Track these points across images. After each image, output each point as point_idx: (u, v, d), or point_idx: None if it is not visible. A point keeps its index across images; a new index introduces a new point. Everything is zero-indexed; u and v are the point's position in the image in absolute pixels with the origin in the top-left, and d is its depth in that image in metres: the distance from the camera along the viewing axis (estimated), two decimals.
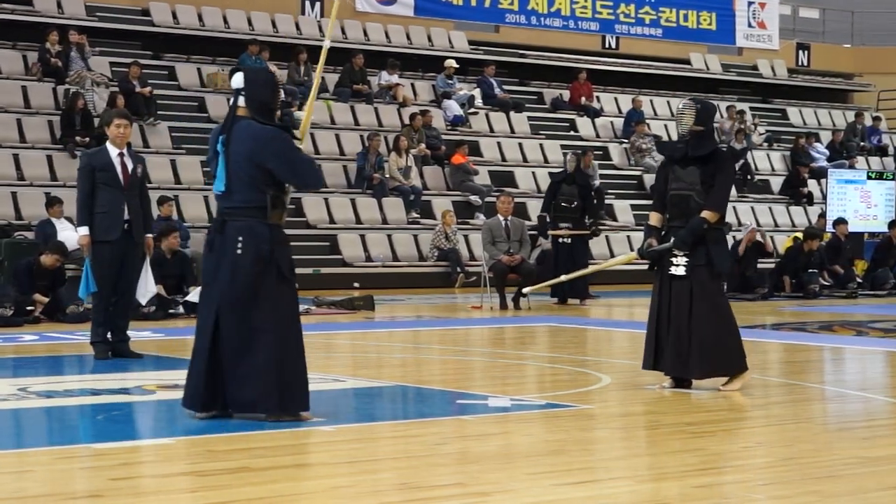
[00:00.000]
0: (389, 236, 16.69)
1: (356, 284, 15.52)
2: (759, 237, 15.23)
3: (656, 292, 6.71)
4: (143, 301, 8.87)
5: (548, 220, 13.73)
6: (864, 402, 6.62)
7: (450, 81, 19.90)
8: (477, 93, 20.07)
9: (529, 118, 20.40)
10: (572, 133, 20.78)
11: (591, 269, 11.03)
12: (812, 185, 21.55)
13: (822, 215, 19.07)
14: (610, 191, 19.25)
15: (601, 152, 20.23)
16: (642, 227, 17.93)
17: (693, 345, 6.58)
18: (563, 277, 9.24)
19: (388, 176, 17.33)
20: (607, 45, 23.00)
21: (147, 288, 8.23)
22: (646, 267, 6.90)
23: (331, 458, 4.93)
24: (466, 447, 5.13)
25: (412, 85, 20.00)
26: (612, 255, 18.25)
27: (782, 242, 18.33)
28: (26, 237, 13.48)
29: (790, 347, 9.42)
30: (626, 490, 4.30)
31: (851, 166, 21.98)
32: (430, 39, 20.99)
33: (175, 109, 17.41)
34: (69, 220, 12.85)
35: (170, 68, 18.23)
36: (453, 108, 19.53)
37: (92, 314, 8.17)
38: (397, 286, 15.77)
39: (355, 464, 4.72)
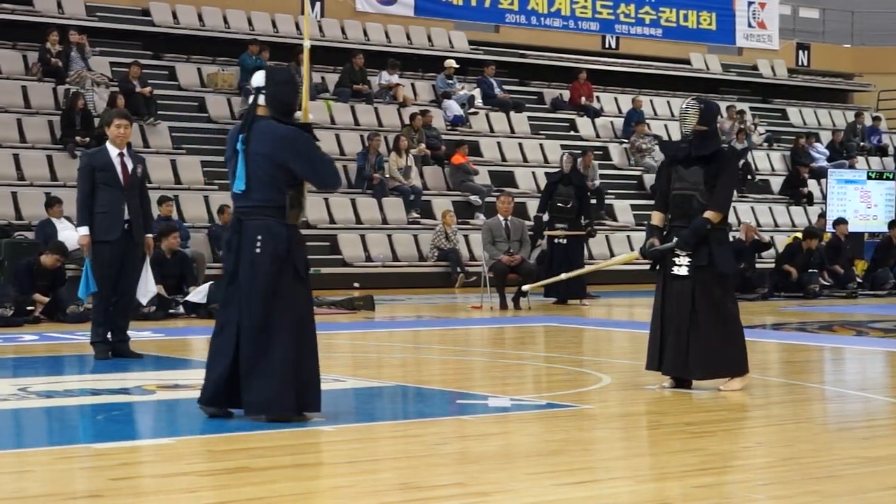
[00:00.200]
0: (389, 236, 16.69)
1: (356, 284, 15.52)
2: (755, 235, 15.26)
3: (659, 292, 6.71)
4: (144, 301, 8.87)
5: (543, 220, 13.75)
6: (864, 402, 6.62)
7: (450, 81, 19.90)
8: (477, 93, 20.07)
9: (529, 118, 20.41)
10: (572, 133, 20.79)
11: (592, 267, 11.03)
12: (812, 185, 21.55)
13: (822, 215, 19.08)
14: (610, 191, 19.26)
15: (601, 152, 20.23)
16: (642, 227, 18.02)
17: (693, 345, 6.58)
18: (563, 276, 9.25)
19: (388, 176, 17.33)
20: (607, 45, 23.00)
21: (147, 288, 8.23)
22: (647, 267, 6.89)
23: (331, 458, 4.93)
24: (466, 447, 5.13)
25: (412, 85, 20.00)
26: (612, 255, 18.26)
27: (782, 242, 18.31)
28: (26, 237, 13.48)
29: (790, 347, 9.42)
30: (626, 490, 4.30)
31: (851, 166, 21.99)
32: (430, 39, 21.00)
33: (175, 109, 17.41)
34: (69, 219, 12.85)
35: (170, 68, 18.23)
36: (453, 108, 19.54)
37: (92, 314, 8.17)
38: (397, 286, 15.77)
39: (355, 464, 4.72)
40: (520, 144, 19.65)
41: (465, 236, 16.94)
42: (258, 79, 5.57)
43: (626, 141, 20.81)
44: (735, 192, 7.80)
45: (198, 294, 11.61)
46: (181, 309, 11.57)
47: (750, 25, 24.50)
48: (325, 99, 18.37)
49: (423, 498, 4.15)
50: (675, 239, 6.64)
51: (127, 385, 6.86)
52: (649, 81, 22.89)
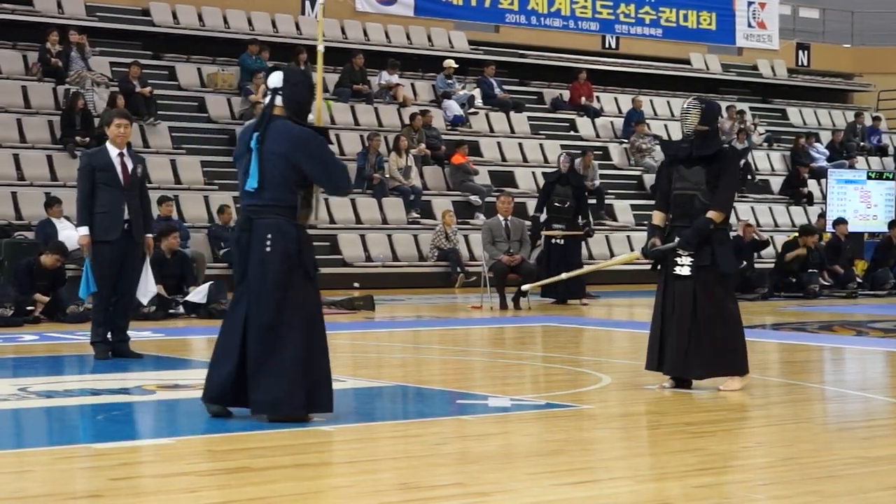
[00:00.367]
0: (389, 236, 16.69)
1: (356, 284, 15.52)
2: (754, 234, 15.27)
3: (660, 292, 6.70)
4: (144, 301, 8.87)
5: (540, 220, 13.75)
6: (864, 402, 6.62)
7: (449, 81, 19.90)
8: (477, 93, 20.08)
9: (529, 118, 20.41)
10: (572, 133, 20.79)
11: (593, 267, 11.03)
12: (812, 185, 21.55)
13: (822, 215, 19.08)
14: (610, 191, 19.26)
15: (601, 152, 20.24)
16: (642, 228, 18.03)
17: (694, 345, 6.58)
18: (564, 276, 9.25)
19: (388, 176, 17.33)
20: (607, 45, 23.00)
21: (147, 288, 8.23)
22: (647, 267, 6.89)
23: (331, 458, 4.93)
24: (466, 447, 5.13)
25: (412, 85, 20.00)
26: (612, 256, 18.27)
27: (782, 243, 18.31)
28: (26, 237, 13.48)
29: (790, 347, 9.42)
30: (626, 490, 4.30)
31: (851, 166, 21.99)
32: (430, 39, 21.00)
33: (175, 109, 17.41)
34: (69, 219, 12.85)
35: (170, 68, 18.23)
36: (453, 108, 19.54)
37: (92, 314, 8.17)
38: (397, 286, 15.77)
39: (355, 464, 4.72)
40: (520, 144, 19.65)
41: (465, 236, 16.94)
42: (275, 79, 5.59)
43: (626, 141, 20.81)
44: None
45: (198, 294, 11.61)
46: (181, 309, 11.57)
47: (750, 25, 24.50)
48: (326, 99, 18.34)
49: (423, 498, 4.15)
50: (676, 239, 6.64)
51: (127, 385, 6.86)
52: (649, 81, 22.89)
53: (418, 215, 17.30)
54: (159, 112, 16.72)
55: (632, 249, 18.44)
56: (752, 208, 20.52)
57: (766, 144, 22.74)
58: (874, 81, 25.52)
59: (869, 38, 26.16)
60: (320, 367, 5.47)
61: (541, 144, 19.80)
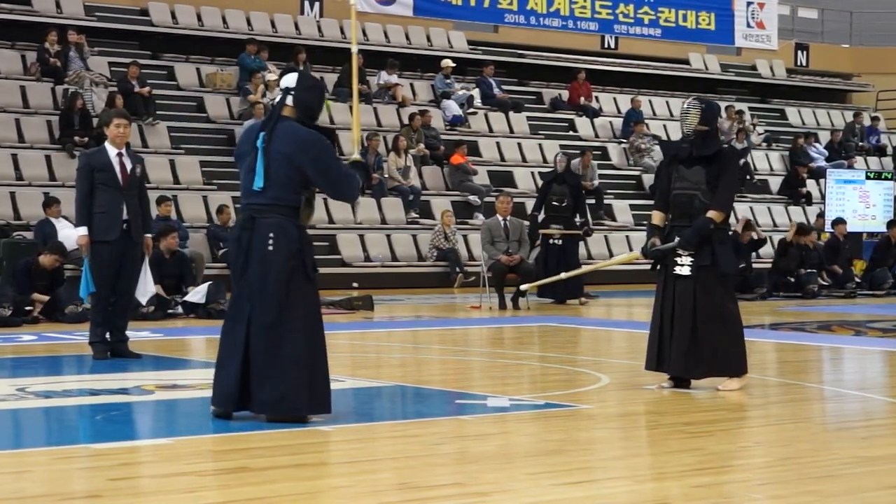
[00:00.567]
0: (388, 236, 16.69)
1: (355, 284, 15.52)
2: (753, 234, 15.27)
3: (660, 292, 6.71)
4: (143, 301, 8.87)
5: (538, 220, 13.76)
6: (862, 401, 6.62)
7: (448, 81, 19.90)
8: (476, 93, 20.08)
9: (528, 118, 20.41)
10: (571, 133, 20.79)
11: (592, 267, 11.03)
12: (811, 184, 21.56)
13: (821, 215, 19.09)
14: (609, 191, 19.26)
15: (600, 152, 20.24)
16: (641, 227, 18.03)
17: (694, 345, 6.58)
18: (564, 275, 9.24)
19: (387, 176, 17.34)
20: (606, 45, 23.00)
21: (146, 288, 8.23)
22: (647, 267, 6.89)
23: (330, 458, 4.93)
24: (465, 447, 5.13)
25: (411, 85, 20.00)
26: (611, 255, 18.27)
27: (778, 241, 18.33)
28: (25, 237, 13.47)
29: (789, 347, 9.42)
30: (624, 490, 4.30)
31: (850, 166, 22.00)
32: (429, 39, 21.00)
33: (174, 109, 17.40)
34: (67, 219, 12.85)
35: (168, 68, 18.23)
36: (452, 108, 19.54)
37: (91, 314, 8.17)
38: (396, 286, 15.77)
39: (354, 464, 4.72)
40: (519, 144, 19.66)
41: (464, 236, 16.94)
42: (289, 79, 5.61)
43: (624, 141, 20.82)
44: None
45: (196, 294, 11.61)
46: (180, 309, 11.57)
47: (749, 25, 24.50)
48: (325, 99, 18.35)
49: (422, 498, 4.15)
50: (676, 239, 6.64)
51: (126, 385, 6.85)
52: (648, 81, 22.90)
53: (417, 215, 17.30)
54: (158, 112, 16.72)
55: (631, 250, 18.44)
56: (751, 208, 20.53)
57: (764, 144, 22.75)
58: (873, 81, 25.53)
59: (868, 39, 26.17)
60: (321, 368, 5.47)
61: (540, 144, 19.80)
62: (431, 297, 14.81)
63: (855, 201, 19.09)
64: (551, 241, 13.60)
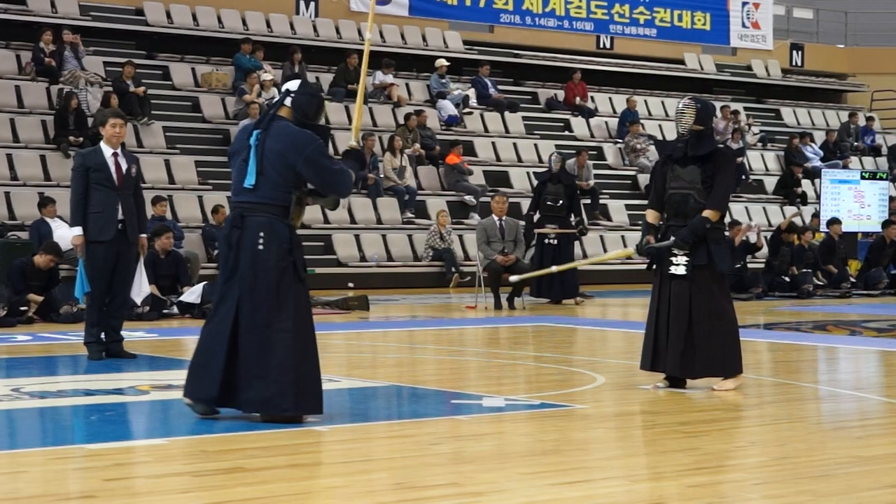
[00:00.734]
0: (384, 236, 16.69)
1: (351, 284, 15.51)
2: (751, 237, 15.25)
3: (656, 292, 6.71)
4: (138, 301, 8.87)
5: (534, 219, 13.77)
6: (857, 401, 6.63)
7: (443, 81, 19.90)
8: (471, 93, 20.08)
9: (524, 118, 20.42)
10: (567, 133, 20.80)
11: (584, 262, 11.02)
12: (806, 185, 21.59)
13: (816, 215, 19.11)
14: (604, 191, 19.27)
15: (596, 152, 20.25)
16: (637, 227, 18.02)
17: (690, 345, 6.58)
18: (554, 269, 9.23)
19: (382, 176, 17.33)
20: (602, 46, 23.02)
21: (141, 288, 8.23)
22: (642, 266, 6.90)
23: (325, 459, 4.93)
24: (461, 447, 5.13)
25: (407, 85, 20.00)
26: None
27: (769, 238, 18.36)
28: (20, 237, 13.45)
29: (784, 347, 9.43)
30: (620, 490, 4.30)
31: (845, 166, 22.03)
32: (424, 39, 20.99)
33: (169, 109, 17.38)
34: (62, 219, 12.83)
35: (164, 68, 18.21)
36: (448, 108, 19.54)
37: (86, 314, 8.16)
38: (392, 286, 15.77)
39: (350, 464, 4.71)
40: (514, 144, 19.66)
41: (460, 236, 16.94)
42: (293, 84, 5.66)
43: (620, 141, 20.83)
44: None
45: (192, 294, 11.60)
46: (175, 309, 11.55)
47: (744, 26, 24.53)
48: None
49: (417, 498, 4.15)
50: (672, 238, 6.64)
51: (121, 385, 6.85)
52: (644, 81, 22.92)
53: (413, 215, 17.30)
54: (153, 112, 16.70)
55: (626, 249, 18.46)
56: (747, 208, 20.55)
57: (760, 144, 22.78)
58: (868, 82, 25.57)
59: (862, 39, 26.21)
60: (311, 369, 5.45)
61: (535, 144, 19.80)
62: (427, 297, 14.81)
63: (850, 201, 19.11)
64: (547, 240, 13.62)
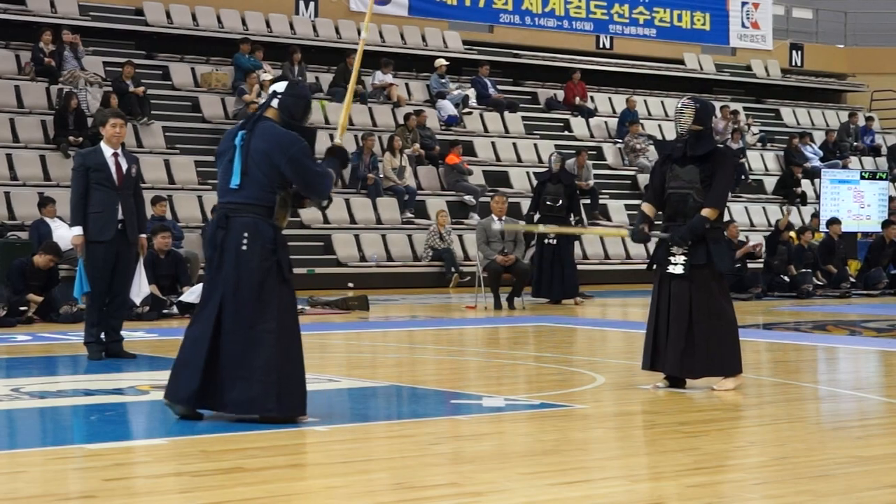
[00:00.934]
0: (384, 236, 16.69)
1: (350, 284, 15.51)
2: (754, 250, 15.32)
3: (655, 292, 6.72)
4: (137, 301, 8.87)
5: (534, 219, 13.78)
6: (857, 401, 6.63)
7: (443, 81, 19.90)
8: (471, 93, 20.08)
9: (524, 118, 20.42)
10: (566, 133, 20.80)
11: (580, 229, 10.97)
12: (806, 185, 21.59)
13: (816, 215, 19.12)
14: (604, 191, 19.27)
15: (595, 152, 20.25)
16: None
17: (689, 345, 6.58)
18: (542, 228, 9.15)
19: (382, 176, 17.33)
20: (601, 46, 23.02)
21: (141, 288, 8.23)
22: (642, 266, 6.91)
23: (325, 459, 4.93)
24: (461, 447, 5.13)
25: (406, 85, 20.00)
26: (607, 256, 18.31)
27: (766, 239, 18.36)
28: (20, 237, 13.45)
29: (784, 347, 9.43)
30: (620, 490, 4.30)
31: (845, 166, 22.03)
32: (424, 39, 20.99)
33: (169, 109, 17.38)
34: (62, 219, 12.83)
35: (163, 68, 18.21)
36: (447, 108, 19.54)
37: (86, 314, 8.16)
38: (392, 286, 15.77)
39: (349, 464, 4.71)
40: (514, 144, 19.66)
41: (460, 236, 16.94)
42: (280, 85, 5.66)
43: (620, 141, 20.83)
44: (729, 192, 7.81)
45: (191, 294, 11.59)
46: (175, 309, 11.55)
47: (743, 26, 24.53)
48: (320, 99, 18.34)
49: (417, 498, 4.15)
50: (670, 233, 6.65)
51: (120, 385, 6.85)
52: (643, 81, 22.92)
53: (412, 215, 17.30)
54: (153, 112, 16.70)
55: (626, 249, 18.49)
56: (746, 208, 20.56)
57: (759, 144, 22.78)
58: (867, 82, 25.57)
59: (862, 39, 26.21)
60: (294, 369, 5.43)
61: (535, 144, 19.80)
62: (427, 297, 14.81)
63: (850, 201, 19.11)
64: (546, 240, 13.62)
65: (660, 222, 6.91)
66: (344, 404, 6.30)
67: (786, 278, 15.67)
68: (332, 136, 17.96)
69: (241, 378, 5.36)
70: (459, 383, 7.18)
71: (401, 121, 18.52)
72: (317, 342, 9.31)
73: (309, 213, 16.54)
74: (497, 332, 10.84)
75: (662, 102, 22.50)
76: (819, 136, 23.31)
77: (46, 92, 16.42)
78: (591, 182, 18.50)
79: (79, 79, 16.38)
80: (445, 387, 6.94)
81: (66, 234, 11.43)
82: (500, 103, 20.26)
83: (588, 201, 17.66)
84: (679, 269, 6.63)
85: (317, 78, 18.96)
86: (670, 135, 19.52)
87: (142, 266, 8.19)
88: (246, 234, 5.41)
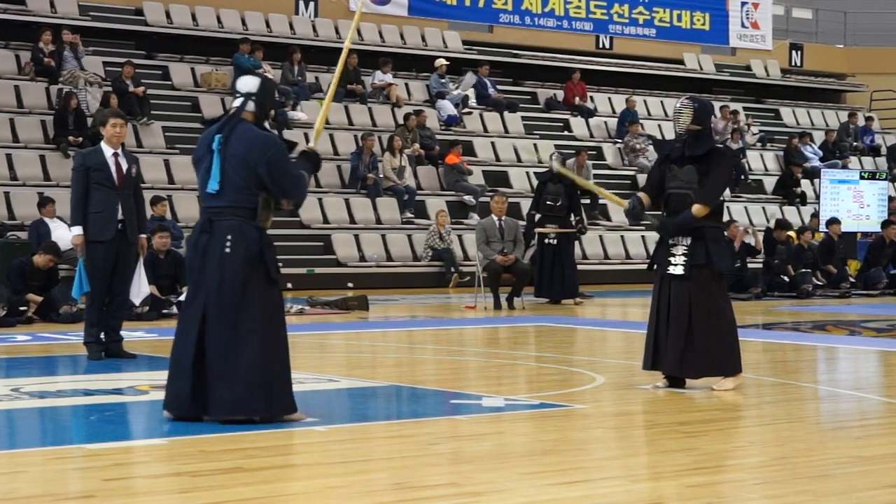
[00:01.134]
0: (383, 236, 16.69)
1: (350, 284, 15.51)
2: (748, 239, 15.25)
3: (656, 292, 6.72)
4: (137, 301, 8.86)
5: (535, 219, 13.78)
6: (857, 401, 6.63)
7: (443, 80, 19.90)
8: (471, 93, 20.08)
9: (523, 118, 20.42)
10: (566, 133, 20.80)
11: (587, 182, 11.01)
12: (805, 184, 21.60)
13: (816, 215, 19.12)
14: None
15: (595, 152, 20.26)
16: (636, 227, 18.07)
17: (689, 345, 6.58)
18: (580, 181, 9.15)
19: (382, 176, 17.33)
20: (601, 46, 23.02)
21: (140, 288, 8.23)
22: (642, 266, 6.92)
23: (324, 459, 4.93)
24: (460, 447, 5.13)
25: (406, 85, 20.00)
26: (606, 255, 18.32)
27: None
28: (19, 237, 13.45)
29: (783, 347, 9.43)
30: (619, 490, 4.30)
31: (844, 166, 22.04)
32: (423, 39, 20.99)
33: (168, 109, 17.38)
34: (62, 219, 12.83)
35: (163, 68, 18.21)
36: (447, 108, 19.54)
37: (85, 315, 8.16)
38: (391, 286, 15.77)
39: (349, 464, 4.71)
40: (514, 144, 19.66)
41: (459, 236, 16.94)
42: (251, 84, 5.61)
43: (619, 141, 20.83)
44: (728, 192, 7.84)
45: None
46: (174, 309, 11.54)
47: (743, 26, 24.53)
48: (319, 99, 18.35)
49: (416, 498, 4.14)
50: (660, 221, 6.66)
51: (120, 385, 6.85)
52: (643, 81, 22.92)
53: (412, 215, 17.30)
54: (153, 112, 16.70)
55: (626, 249, 18.50)
56: (746, 208, 20.56)
57: (759, 144, 22.78)
58: (867, 82, 25.57)
59: (862, 39, 26.21)
60: (280, 369, 5.43)
61: (535, 144, 19.80)
62: (426, 297, 14.81)
63: (849, 201, 19.11)
64: (547, 240, 13.62)
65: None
66: (343, 404, 6.30)
67: (785, 278, 15.67)
68: (332, 136, 18.03)
69: (225, 379, 5.35)
70: (459, 383, 7.18)
71: (400, 121, 18.52)
72: (316, 342, 9.31)
73: (309, 213, 16.55)
74: (497, 332, 10.84)
75: (662, 102, 22.50)
76: (819, 136, 23.31)
77: (46, 92, 16.42)
78: (591, 182, 18.50)
79: (78, 79, 16.38)
80: (445, 387, 6.94)
81: (64, 234, 11.43)
82: (500, 103, 20.26)
83: (588, 201, 17.66)
84: (679, 270, 6.62)
85: (317, 78, 18.96)
86: (670, 135, 19.51)
87: (141, 266, 8.19)
88: (229, 237, 5.41)
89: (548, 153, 19.44)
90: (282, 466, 4.66)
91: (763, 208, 20.88)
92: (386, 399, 6.65)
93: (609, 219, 19.00)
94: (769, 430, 5.62)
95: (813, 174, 21.36)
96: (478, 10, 21.70)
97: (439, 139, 18.70)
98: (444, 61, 19.93)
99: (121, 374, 7.35)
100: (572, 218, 13.86)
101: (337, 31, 20.06)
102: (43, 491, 4.20)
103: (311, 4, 20.17)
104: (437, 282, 16.21)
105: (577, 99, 21.21)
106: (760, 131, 23.05)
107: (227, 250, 5.40)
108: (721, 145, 7.24)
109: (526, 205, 17.17)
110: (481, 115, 19.97)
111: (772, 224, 16.64)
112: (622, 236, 18.52)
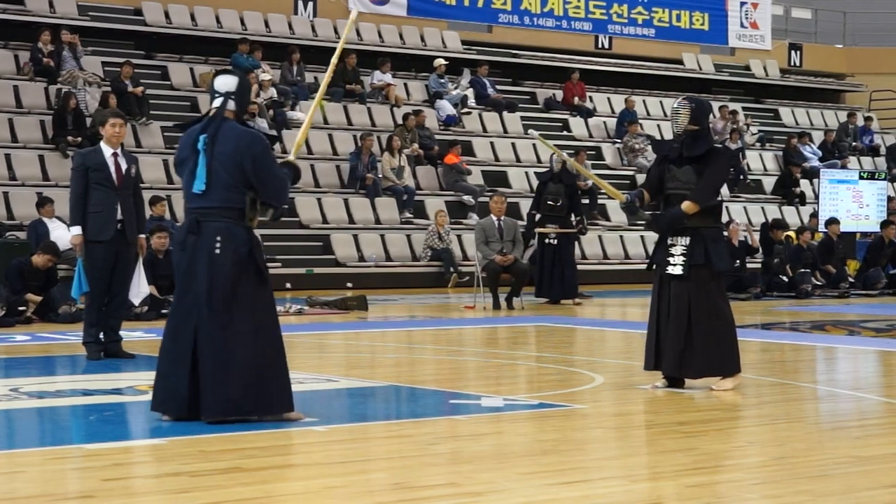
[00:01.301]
0: (382, 236, 16.69)
1: (349, 284, 15.51)
2: (742, 235, 15.27)
3: (655, 292, 6.72)
4: (136, 301, 8.86)
5: (535, 218, 13.79)
6: (856, 401, 6.63)
7: (442, 80, 19.90)
8: (470, 93, 20.08)
9: (522, 118, 20.42)
10: (565, 133, 20.80)
11: (587, 170, 11.03)
12: (804, 184, 21.60)
13: (815, 215, 19.13)
14: (602, 191, 19.25)
15: (594, 152, 20.26)
16: (635, 227, 18.07)
17: (688, 345, 6.58)
18: (535, 134, 9.23)
19: (381, 176, 17.33)
20: (600, 46, 23.02)
21: (140, 289, 8.22)
22: (642, 266, 6.92)
23: (323, 459, 4.92)
24: (459, 447, 5.13)
25: (405, 85, 20.00)
26: (605, 255, 18.32)
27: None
28: (18, 237, 13.44)
29: (782, 347, 9.44)
30: (619, 490, 4.30)
31: (843, 166, 22.04)
32: (423, 39, 20.99)
33: (167, 109, 17.38)
34: (60, 219, 12.83)
35: (162, 68, 18.21)
36: (446, 108, 19.54)
37: (84, 315, 8.16)
38: (390, 286, 15.77)
39: (348, 464, 4.71)
40: (513, 144, 19.66)
41: (458, 236, 16.94)
42: (230, 83, 5.59)
43: (618, 141, 20.84)
44: (727, 192, 7.84)
45: None
46: None
47: (742, 26, 24.53)
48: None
49: (415, 498, 4.14)
50: (653, 218, 6.68)
51: (119, 385, 6.85)
52: (642, 81, 22.92)
53: (411, 215, 17.30)
54: (151, 112, 16.69)
55: (625, 250, 18.50)
56: (745, 208, 20.56)
57: (758, 144, 22.79)
58: (866, 82, 25.58)
59: (861, 39, 26.22)
60: (277, 368, 5.42)
61: (534, 144, 19.79)
62: (425, 297, 14.81)
63: (848, 201, 19.12)
64: (547, 240, 13.63)
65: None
66: (343, 404, 6.30)
67: (784, 278, 15.68)
68: (331, 136, 18.03)
69: (219, 381, 5.34)
70: (458, 383, 7.18)
71: (399, 121, 18.51)
72: (315, 342, 9.31)
73: (309, 213, 16.55)
74: (496, 332, 10.84)
75: (661, 102, 22.51)
76: (818, 136, 23.31)
77: (45, 92, 16.42)
78: (590, 182, 18.50)
79: (77, 79, 16.37)
80: (444, 387, 6.94)
81: (63, 234, 11.42)
82: (499, 103, 20.26)
83: (587, 201, 17.67)
84: (678, 270, 6.62)
85: (315, 78, 18.95)
86: (669, 135, 19.51)
87: (141, 266, 8.19)
88: (219, 238, 5.39)
89: (546, 153, 19.46)
90: (281, 466, 4.66)
91: (762, 208, 20.88)
92: (385, 399, 6.65)
93: (608, 219, 19.00)
94: (768, 430, 5.62)
95: (812, 174, 21.36)
96: (477, 10, 21.70)
97: (438, 139, 18.70)
98: (443, 61, 19.93)
99: (120, 374, 7.35)
100: (573, 218, 13.86)
101: (336, 32, 20.05)
102: (42, 491, 4.19)
103: (310, 4, 20.17)
104: (436, 282, 16.21)
105: (576, 99, 21.21)
106: (759, 131, 23.05)
107: (217, 252, 5.39)
108: (720, 145, 7.24)
109: (525, 205, 17.18)
110: (480, 116, 19.97)
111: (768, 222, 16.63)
112: (621, 236, 18.52)
